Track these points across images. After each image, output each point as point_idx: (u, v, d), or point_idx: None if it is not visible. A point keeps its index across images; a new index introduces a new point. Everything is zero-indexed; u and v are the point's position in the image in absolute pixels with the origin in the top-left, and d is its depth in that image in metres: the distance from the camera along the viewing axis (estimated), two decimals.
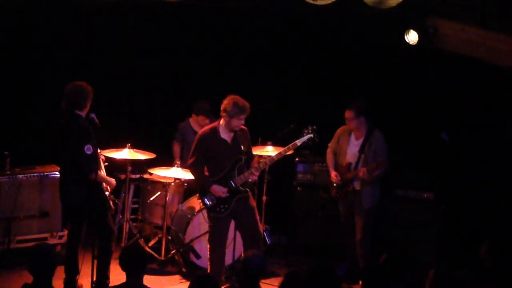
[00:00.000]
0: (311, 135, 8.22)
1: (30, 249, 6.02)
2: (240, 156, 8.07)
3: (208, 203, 8.11)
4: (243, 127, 8.13)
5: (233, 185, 8.05)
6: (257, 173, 8.14)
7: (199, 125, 9.60)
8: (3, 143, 9.19)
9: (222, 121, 8.06)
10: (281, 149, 8.39)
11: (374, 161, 8.69)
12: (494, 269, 6.32)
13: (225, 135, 8.06)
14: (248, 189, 8.14)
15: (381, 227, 9.27)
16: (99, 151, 8.12)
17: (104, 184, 8.01)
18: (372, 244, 8.88)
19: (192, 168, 8.19)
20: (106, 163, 8.45)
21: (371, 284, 5.94)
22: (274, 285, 8.15)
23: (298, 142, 8.21)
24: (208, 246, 8.24)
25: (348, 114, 8.78)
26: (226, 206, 8.07)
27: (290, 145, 8.24)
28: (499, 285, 6.31)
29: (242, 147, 8.06)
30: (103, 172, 8.18)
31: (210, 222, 8.23)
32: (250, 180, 8.12)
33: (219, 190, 8.01)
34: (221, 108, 7.99)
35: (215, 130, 8.08)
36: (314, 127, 8.24)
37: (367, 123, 8.86)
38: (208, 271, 8.23)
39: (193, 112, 9.72)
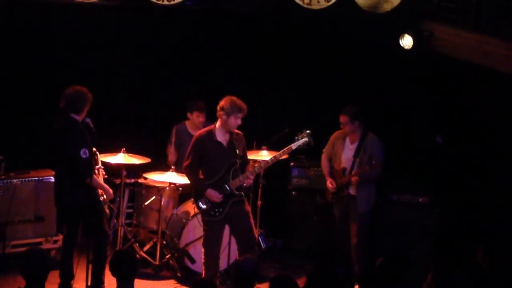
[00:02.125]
0: (306, 139, 8.22)
1: (23, 253, 6.01)
2: (235, 160, 8.06)
3: (202, 206, 8.10)
4: (238, 131, 8.13)
5: (228, 188, 8.04)
6: (252, 177, 8.13)
7: (195, 126, 9.60)
8: None
9: (218, 124, 8.05)
10: (276, 153, 8.39)
11: (369, 165, 8.71)
12: (490, 271, 6.33)
13: (221, 138, 8.05)
14: (242, 193, 8.13)
15: (376, 231, 9.27)
16: (99, 159, 8.15)
17: (99, 190, 8.01)
18: (367, 248, 8.89)
19: (187, 170, 8.19)
20: (104, 172, 8.42)
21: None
22: None
23: (293, 146, 8.21)
24: (203, 250, 8.23)
25: (343, 119, 8.79)
26: (221, 210, 8.06)
27: (285, 149, 8.24)
28: (496, 287, 6.32)
29: (237, 151, 8.05)
30: (101, 179, 8.19)
31: (205, 225, 8.22)
32: (245, 184, 8.11)
33: (214, 195, 8.01)
34: (218, 108, 7.99)
35: (211, 133, 8.07)
36: (309, 131, 8.24)
37: (362, 127, 8.88)
38: (203, 274, 8.22)
39: (187, 111, 9.71)
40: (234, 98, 7.96)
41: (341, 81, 10.21)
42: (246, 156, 8.37)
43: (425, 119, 9.84)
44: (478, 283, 6.40)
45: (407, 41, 9.39)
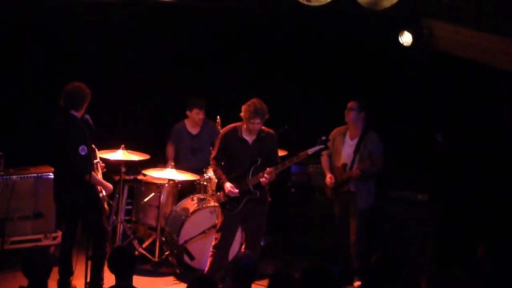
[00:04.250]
0: (323, 146, 8.23)
1: (25, 253, 5.99)
2: (257, 158, 8.09)
3: (220, 198, 8.20)
4: (270, 130, 8.18)
5: (246, 185, 8.08)
6: (268, 177, 8.08)
7: (194, 123, 9.62)
8: None
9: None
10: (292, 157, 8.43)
11: (370, 161, 8.71)
12: (491, 269, 6.33)
13: (247, 135, 8.13)
14: (258, 192, 8.13)
15: (376, 228, 9.27)
16: (97, 154, 8.16)
17: (98, 187, 8.01)
18: (366, 245, 8.89)
19: (212, 162, 8.32)
20: (103, 165, 8.42)
21: (370, 284, 5.94)
22: None
23: (310, 151, 8.18)
24: (214, 241, 8.27)
25: (351, 104, 8.82)
26: (236, 205, 8.16)
27: (301, 153, 8.20)
28: (495, 285, 6.32)
29: (262, 149, 8.08)
30: (99, 175, 8.19)
31: (222, 217, 8.27)
32: (262, 183, 8.13)
33: (231, 189, 8.07)
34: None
35: (236, 129, 8.18)
36: (326, 138, 8.25)
37: (364, 123, 8.88)
38: (207, 267, 8.26)
39: (186, 109, 9.71)
40: (251, 102, 7.99)
41: (340, 78, 10.20)
42: (274, 155, 8.33)
43: (425, 116, 9.83)
44: (477, 282, 6.40)
45: (406, 38, 9.38)
